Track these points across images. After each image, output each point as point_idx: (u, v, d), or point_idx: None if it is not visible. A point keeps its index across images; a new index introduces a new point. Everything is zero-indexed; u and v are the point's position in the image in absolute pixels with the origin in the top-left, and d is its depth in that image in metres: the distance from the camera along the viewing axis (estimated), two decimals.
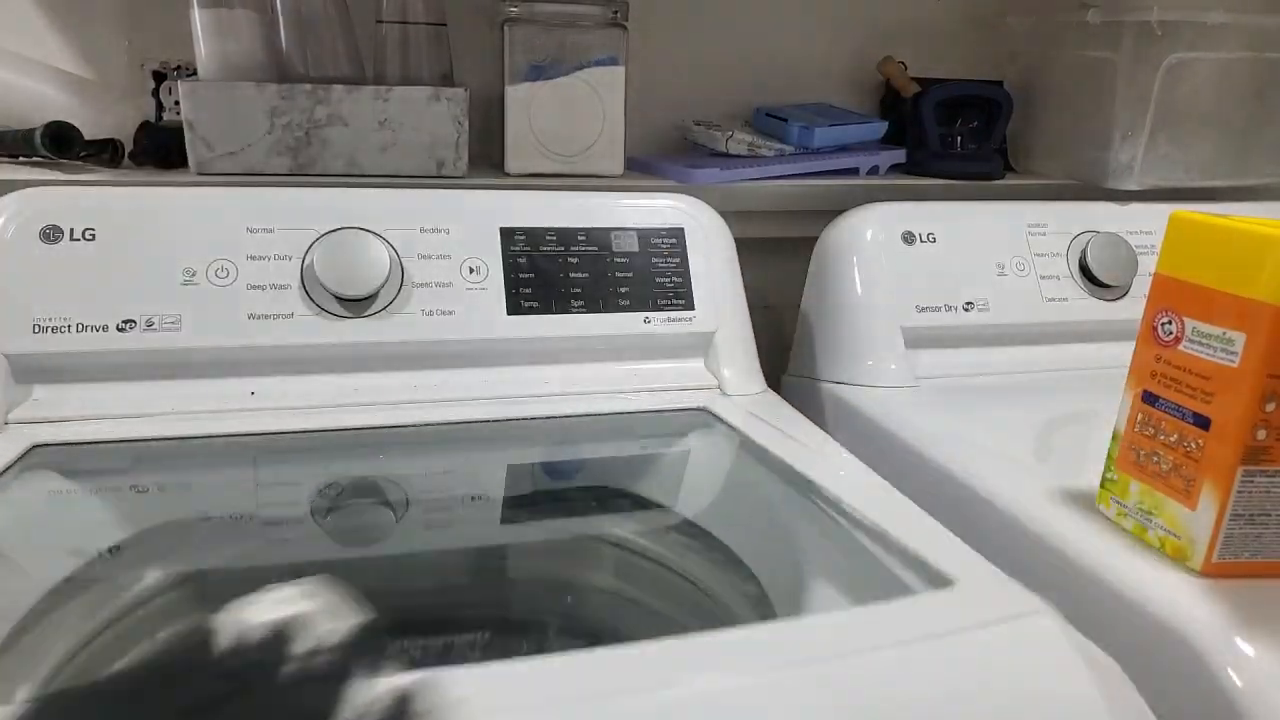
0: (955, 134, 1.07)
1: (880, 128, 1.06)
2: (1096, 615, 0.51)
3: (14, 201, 0.68)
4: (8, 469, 0.59)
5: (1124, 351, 0.57)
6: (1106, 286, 0.90)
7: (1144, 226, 0.93)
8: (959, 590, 0.47)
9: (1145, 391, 0.55)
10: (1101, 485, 0.59)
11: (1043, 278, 0.88)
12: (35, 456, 0.62)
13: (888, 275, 0.86)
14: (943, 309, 0.85)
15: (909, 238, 0.87)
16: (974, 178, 1.05)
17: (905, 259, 0.86)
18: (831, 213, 0.92)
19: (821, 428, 0.73)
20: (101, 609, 0.57)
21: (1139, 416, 0.56)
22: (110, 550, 0.58)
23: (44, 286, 0.66)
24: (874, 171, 1.04)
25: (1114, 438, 0.58)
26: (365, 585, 0.62)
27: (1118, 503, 0.57)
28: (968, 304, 0.86)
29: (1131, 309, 0.89)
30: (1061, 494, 0.62)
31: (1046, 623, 0.44)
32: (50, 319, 0.66)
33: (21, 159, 0.85)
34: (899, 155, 1.06)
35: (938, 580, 0.48)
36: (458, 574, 0.63)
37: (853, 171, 1.02)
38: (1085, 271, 0.90)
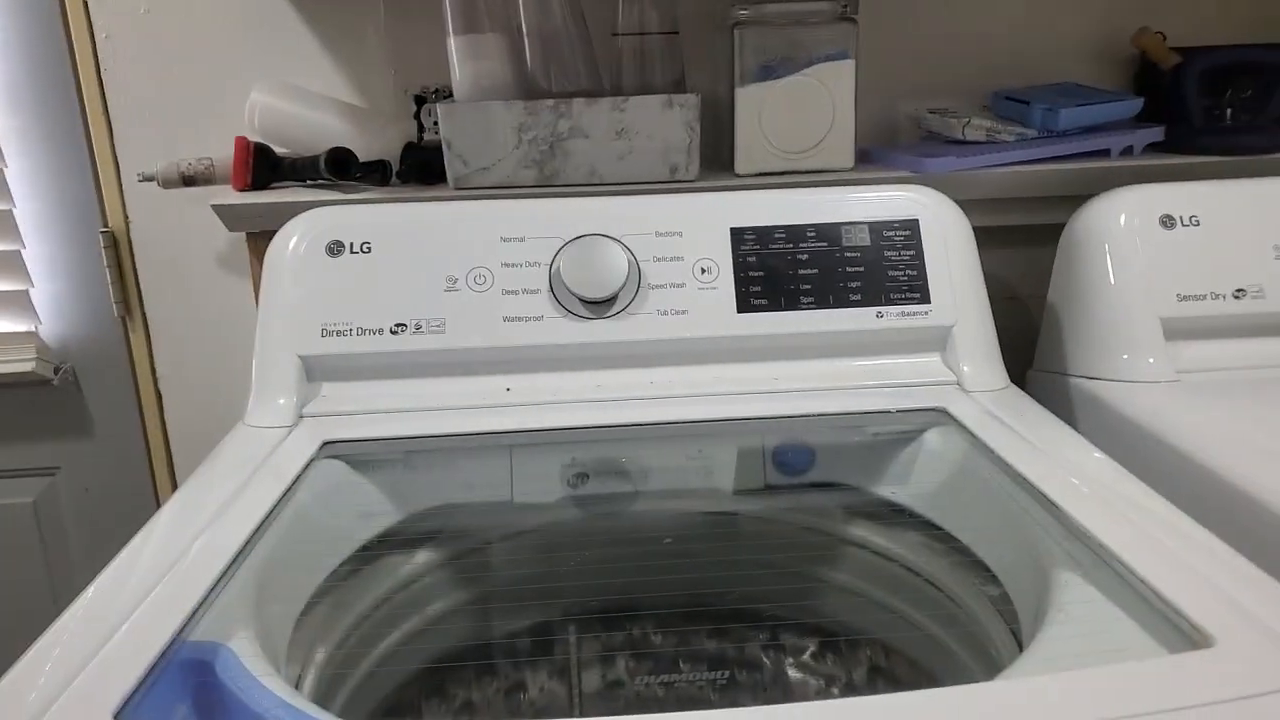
0: (1224, 105, 0.98)
1: (1134, 105, 0.99)
2: None
3: (304, 221, 0.78)
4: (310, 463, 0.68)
5: None
6: None
7: None
8: (1219, 652, 0.42)
9: None
10: None
11: None
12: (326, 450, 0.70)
13: (1144, 262, 0.80)
14: (1208, 297, 0.79)
15: (1168, 221, 0.81)
16: (1247, 152, 0.96)
17: (1164, 244, 0.80)
18: (1080, 198, 0.87)
19: (1072, 427, 0.69)
20: (382, 583, 0.64)
21: None
22: (388, 532, 0.65)
23: (329, 295, 0.75)
24: (1128, 152, 0.97)
25: None
26: (606, 565, 0.65)
27: None
28: (1238, 291, 0.79)
29: None
30: None
31: None
32: (335, 324, 0.74)
33: (308, 182, 0.96)
34: (1156, 133, 0.99)
35: (1194, 637, 0.43)
36: (692, 561, 0.65)
37: (1103, 153, 0.96)
38: None
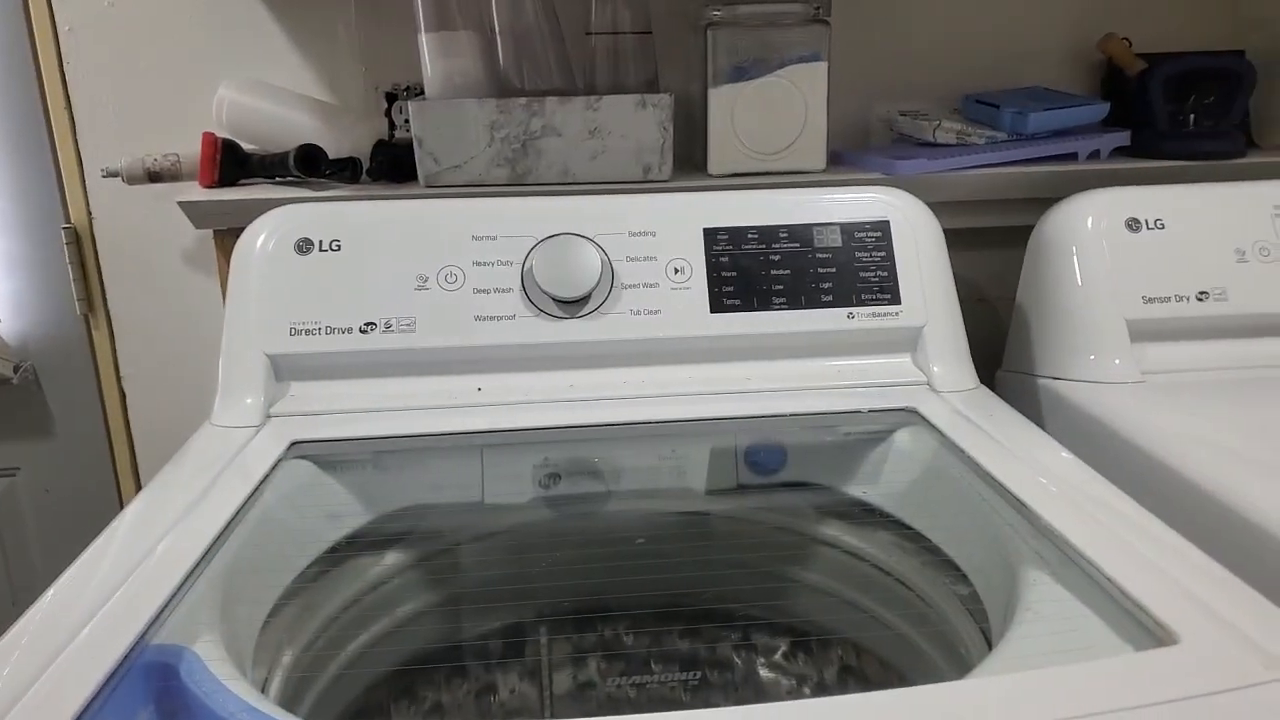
0: (1188, 111, 1.00)
1: (1101, 110, 1.00)
2: None
3: (272, 218, 0.77)
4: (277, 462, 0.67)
5: None
6: None
7: None
8: (1183, 649, 0.42)
9: None
10: None
11: None
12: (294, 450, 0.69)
13: (1110, 264, 0.81)
14: (1173, 299, 0.80)
15: (1134, 224, 0.82)
16: (1210, 157, 0.98)
17: (1130, 247, 0.81)
18: (1048, 201, 0.88)
19: (1040, 427, 0.70)
20: (351, 585, 0.63)
21: None
22: (357, 533, 0.64)
23: (298, 293, 0.74)
24: (1095, 156, 0.98)
25: None
26: (578, 566, 0.65)
27: None
28: (1201, 293, 0.80)
29: None
30: None
31: None
32: (304, 323, 0.73)
33: (277, 179, 0.95)
34: (1122, 138, 1.00)
35: (1160, 635, 0.43)
36: (665, 561, 0.65)
37: (1071, 157, 0.97)
38: None
